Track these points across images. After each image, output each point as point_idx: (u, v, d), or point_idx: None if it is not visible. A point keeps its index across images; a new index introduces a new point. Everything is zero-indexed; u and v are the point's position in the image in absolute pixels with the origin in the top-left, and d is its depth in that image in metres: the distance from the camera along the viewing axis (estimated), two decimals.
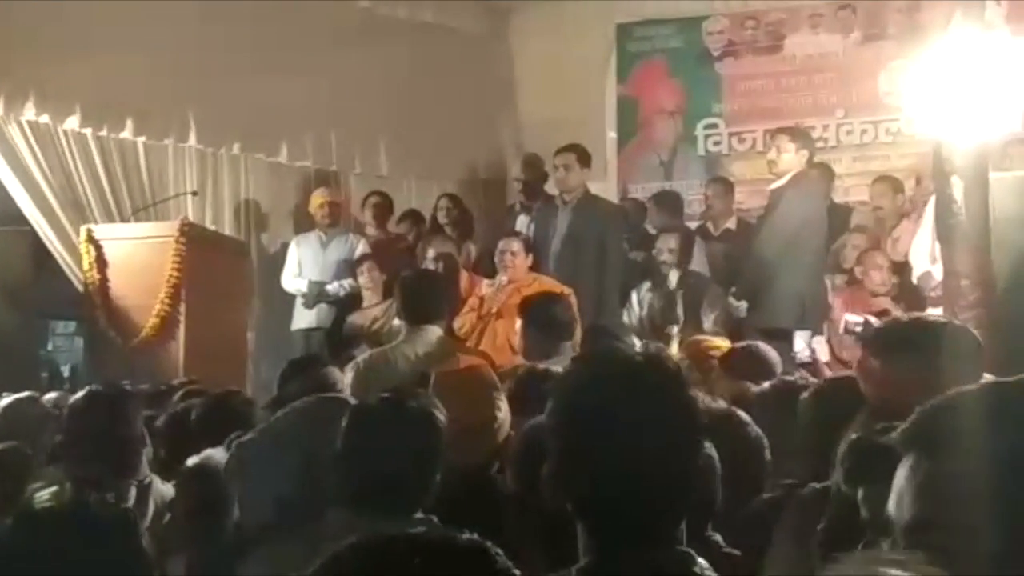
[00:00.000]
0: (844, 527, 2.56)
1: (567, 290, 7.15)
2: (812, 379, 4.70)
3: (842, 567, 1.46)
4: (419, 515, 2.95)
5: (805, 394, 3.74)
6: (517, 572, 1.43)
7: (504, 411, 3.66)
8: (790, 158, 7.98)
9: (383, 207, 10.27)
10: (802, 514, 3.20)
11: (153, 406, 5.36)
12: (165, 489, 4.22)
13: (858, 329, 7.33)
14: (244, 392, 5.31)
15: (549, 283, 7.46)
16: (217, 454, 3.38)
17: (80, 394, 4.62)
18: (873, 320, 7.31)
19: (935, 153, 6.33)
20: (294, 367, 5.13)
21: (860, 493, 2.52)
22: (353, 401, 3.32)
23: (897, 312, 7.94)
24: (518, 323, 6.22)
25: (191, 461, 3.61)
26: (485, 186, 11.69)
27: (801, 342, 7.76)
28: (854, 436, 2.62)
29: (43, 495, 3.87)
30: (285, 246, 10.09)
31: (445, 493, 3.03)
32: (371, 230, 10.12)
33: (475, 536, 1.45)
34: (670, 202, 10.14)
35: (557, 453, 2.08)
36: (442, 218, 10.06)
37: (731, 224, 9.70)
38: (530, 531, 2.78)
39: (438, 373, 3.83)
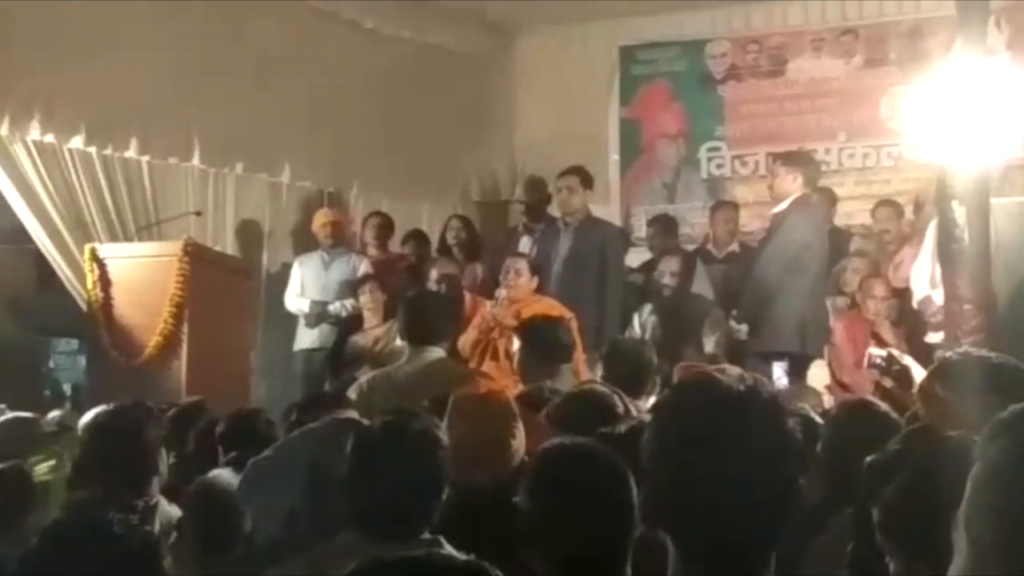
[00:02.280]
0: (871, 549, 2.59)
1: (568, 313, 7.16)
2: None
3: None
4: (426, 536, 2.97)
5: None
6: None
7: (519, 437, 3.67)
8: (785, 183, 8.00)
9: (385, 227, 10.28)
10: (834, 539, 3.23)
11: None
12: (171, 510, 4.23)
13: (881, 363, 7.39)
14: (265, 412, 5.28)
15: (550, 304, 7.47)
16: (225, 473, 3.40)
17: (101, 409, 4.61)
18: (896, 354, 7.36)
19: (938, 178, 6.35)
20: (313, 402, 5.04)
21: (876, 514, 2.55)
22: (364, 423, 3.34)
23: (891, 336, 8.00)
24: (516, 344, 6.22)
25: (200, 481, 3.62)
26: (487, 208, 11.71)
27: (779, 370, 7.79)
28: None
29: (42, 468, 3.82)
30: (287, 266, 10.09)
31: (460, 516, 3.05)
32: (373, 250, 10.12)
33: (472, 558, 1.46)
34: (665, 225, 10.14)
35: (655, 478, 2.11)
36: (451, 239, 10.08)
37: (735, 247, 9.72)
38: (544, 554, 2.79)
39: (456, 396, 3.84)
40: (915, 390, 3.68)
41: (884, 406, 4.11)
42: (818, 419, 4.35)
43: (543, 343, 6.03)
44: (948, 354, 3.77)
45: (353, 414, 4.73)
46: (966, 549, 1.73)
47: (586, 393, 4.50)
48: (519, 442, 3.68)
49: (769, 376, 7.12)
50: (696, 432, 2.04)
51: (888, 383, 6.94)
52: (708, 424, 2.04)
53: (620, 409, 4.19)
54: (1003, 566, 1.64)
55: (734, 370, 2.17)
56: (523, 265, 7.82)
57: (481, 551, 2.94)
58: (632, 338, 7.69)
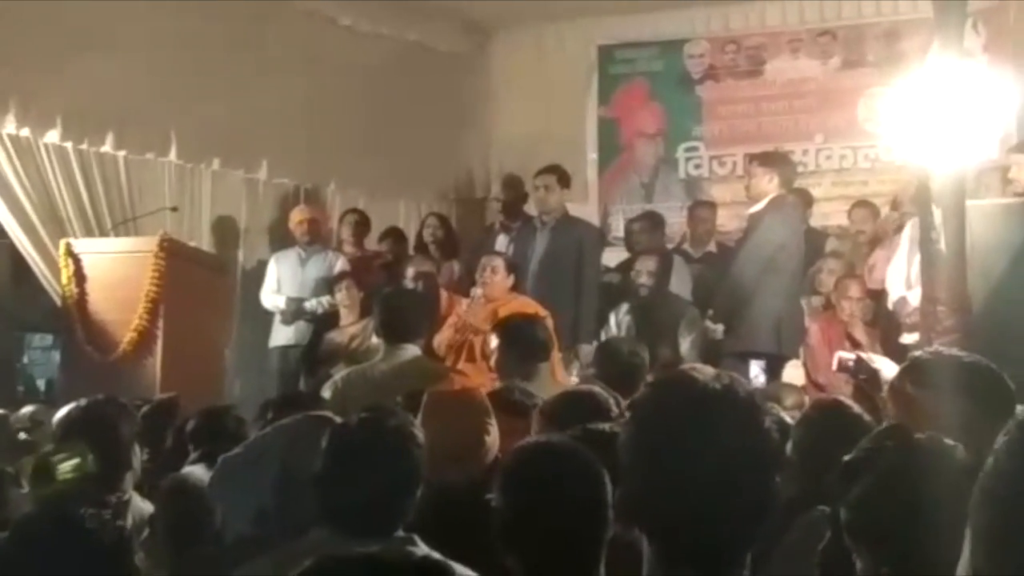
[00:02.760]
0: (843, 549, 2.59)
1: (543, 312, 7.16)
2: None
3: None
4: (400, 534, 2.96)
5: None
6: None
7: (493, 434, 3.67)
8: (761, 183, 8.03)
9: (361, 225, 10.26)
10: (803, 538, 3.24)
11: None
12: (144, 506, 4.21)
13: (851, 365, 7.43)
14: (235, 408, 5.27)
15: (526, 303, 7.46)
16: (197, 470, 3.38)
17: (74, 405, 4.59)
18: (866, 357, 7.39)
19: (920, 180, 6.36)
20: (287, 401, 5.05)
21: (844, 513, 2.56)
22: (338, 420, 3.33)
23: (865, 338, 8.03)
24: (493, 342, 6.22)
25: (172, 477, 3.61)
26: (465, 205, 11.71)
27: (756, 368, 7.82)
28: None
29: (66, 466, 3.80)
30: (263, 262, 10.07)
31: (435, 514, 3.04)
32: (349, 248, 10.10)
33: (431, 554, 1.46)
34: (653, 222, 10.15)
35: (632, 475, 2.10)
36: (427, 237, 10.06)
37: (712, 247, 9.74)
38: (518, 553, 2.79)
39: (430, 393, 3.84)
40: (885, 389, 3.68)
41: (856, 407, 4.13)
42: (788, 419, 4.36)
43: (521, 341, 6.03)
44: (918, 353, 3.78)
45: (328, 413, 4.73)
46: (970, 544, 1.73)
47: (583, 392, 4.50)
48: (493, 439, 3.68)
49: (746, 376, 7.14)
50: (673, 430, 2.03)
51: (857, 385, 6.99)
52: (685, 422, 2.03)
53: (615, 410, 4.19)
54: (1006, 560, 1.64)
55: (707, 369, 2.16)
56: (499, 263, 7.80)
57: (456, 550, 2.95)
58: (625, 338, 7.69)
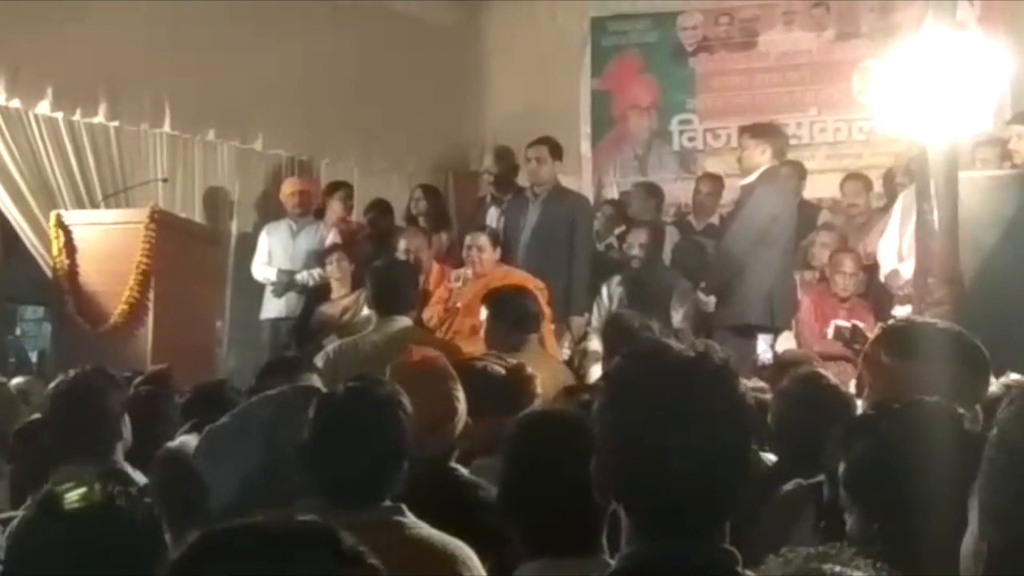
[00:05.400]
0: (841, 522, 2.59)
1: (540, 284, 7.15)
2: None
3: (783, 564, 1.45)
4: (387, 503, 2.96)
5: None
6: (366, 552, 1.43)
7: (462, 402, 3.66)
8: (754, 155, 8.01)
9: (348, 197, 10.25)
10: (783, 510, 3.24)
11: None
12: (136, 477, 4.20)
13: (846, 334, 7.47)
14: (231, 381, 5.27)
15: (522, 276, 7.45)
16: (191, 440, 3.37)
17: (63, 376, 4.58)
18: (861, 325, 7.41)
19: (919, 152, 6.35)
20: (274, 367, 5.09)
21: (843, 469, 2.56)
22: (324, 390, 3.32)
23: (858, 310, 8.04)
24: (483, 314, 6.21)
25: (165, 447, 3.60)
26: (458, 178, 11.68)
27: (763, 344, 7.83)
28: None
29: (72, 495, 3.78)
30: (254, 234, 10.05)
31: (406, 485, 3.04)
32: (335, 218, 10.07)
33: (317, 520, 1.46)
34: (648, 191, 10.15)
35: (607, 447, 2.09)
36: (415, 209, 10.03)
37: (714, 219, 9.74)
38: (519, 521, 2.79)
39: (392, 365, 3.82)
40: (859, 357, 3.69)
41: (834, 379, 4.16)
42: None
43: (510, 312, 6.02)
44: (891, 321, 3.79)
45: (315, 379, 4.73)
46: (979, 517, 1.71)
47: None
48: (463, 406, 3.68)
49: (737, 349, 7.13)
50: (648, 399, 2.02)
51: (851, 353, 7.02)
52: (659, 391, 2.02)
53: None
54: (1017, 532, 1.63)
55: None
56: (483, 240, 7.75)
57: (436, 520, 2.95)
58: (632, 311, 7.68)
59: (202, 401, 4.52)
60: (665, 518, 2.01)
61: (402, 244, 8.58)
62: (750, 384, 4.59)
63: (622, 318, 6.58)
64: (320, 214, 10.13)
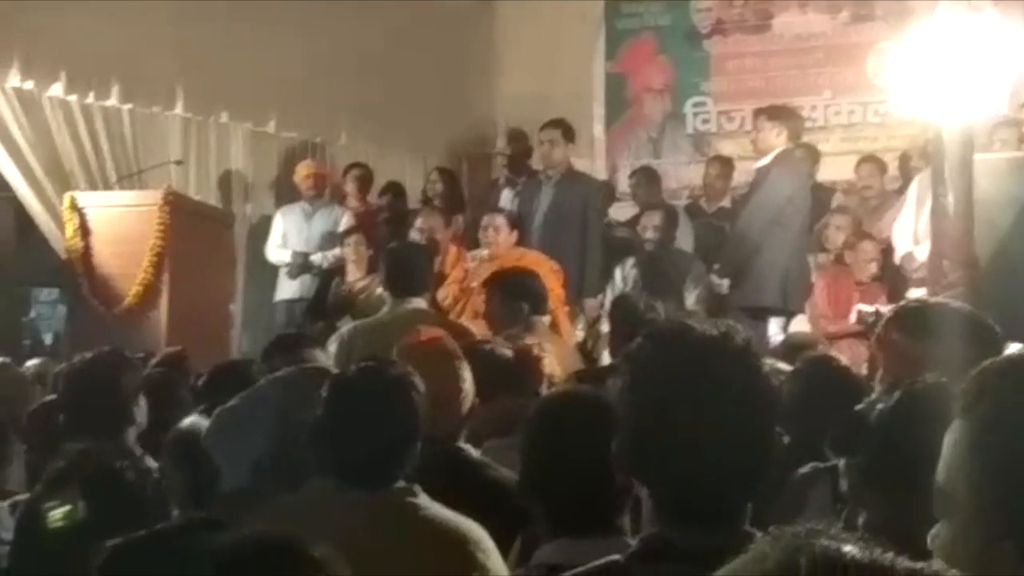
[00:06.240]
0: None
1: (555, 266, 7.15)
2: None
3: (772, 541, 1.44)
4: (400, 484, 2.96)
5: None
6: (322, 558, 1.41)
7: (468, 381, 3.66)
8: (769, 137, 7.99)
9: (364, 179, 10.24)
10: (796, 494, 3.24)
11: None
12: (147, 460, 4.20)
13: (870, 319, 7.44)
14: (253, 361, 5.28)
15: (536, 258, 7.45)
16: (202, 422, 3.37)
17: (77, 358, 4.58)
18: (884, 311, 7.38)
19: (935, 134, 6.32)
20: (279, 344, 5.12)
21: (842, 464, 2.54)
22: (335, 371, 3.32)
23: (873, 293, 8.02)
24: (489, 294, 6.21)
25: (177, 428, 3.60)
26: (472, 161, 11.67)
27: (775, 327, 7.81)
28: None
29: (57, 514, 3.78)
30: (268, 217, 10.06)
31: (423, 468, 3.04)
32: (353, 202, 10.08)
33: (284, 530, 1.43)
34: (647, 176, 10.13)
35: (629, 427, 2.08)
36: (431, 191, 10.02)
37: (726, 202, 9.72)
38: (543, 500, 2.78)
39: (399, 346, 3.82)
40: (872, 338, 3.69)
41: (845, 361, 4.16)
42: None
43: (510, 292, 6.03)
44: (904, 302, 3.78)
45: (319, 355, 4.74)
46: (958, 511, 1.68)
47: None
48: (470, 386, 3.68)
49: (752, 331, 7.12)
50: (670, 379, 2.01)
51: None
52: (682, 371, 2.00)
53: None
54: (1007, 526, 1.60)
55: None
56: (501, 221, 7.77)
57: (444, 499, 2.95)
58: (640, 293, 7.68)
59: (217, 383, 4.51)
60: (687, 499, 2.00)
61: (418, 222, 8.56)
62: (773, 364, 4.61)
63: (628, 299, 6.57)
64: (335, 196, 10.13)
